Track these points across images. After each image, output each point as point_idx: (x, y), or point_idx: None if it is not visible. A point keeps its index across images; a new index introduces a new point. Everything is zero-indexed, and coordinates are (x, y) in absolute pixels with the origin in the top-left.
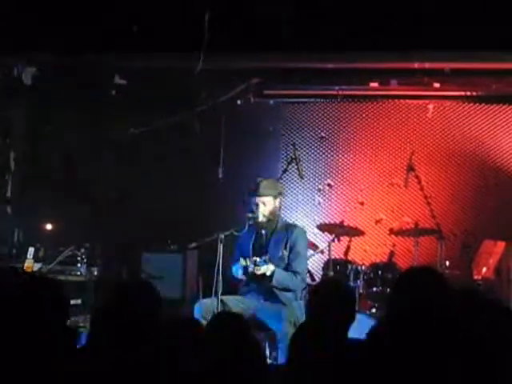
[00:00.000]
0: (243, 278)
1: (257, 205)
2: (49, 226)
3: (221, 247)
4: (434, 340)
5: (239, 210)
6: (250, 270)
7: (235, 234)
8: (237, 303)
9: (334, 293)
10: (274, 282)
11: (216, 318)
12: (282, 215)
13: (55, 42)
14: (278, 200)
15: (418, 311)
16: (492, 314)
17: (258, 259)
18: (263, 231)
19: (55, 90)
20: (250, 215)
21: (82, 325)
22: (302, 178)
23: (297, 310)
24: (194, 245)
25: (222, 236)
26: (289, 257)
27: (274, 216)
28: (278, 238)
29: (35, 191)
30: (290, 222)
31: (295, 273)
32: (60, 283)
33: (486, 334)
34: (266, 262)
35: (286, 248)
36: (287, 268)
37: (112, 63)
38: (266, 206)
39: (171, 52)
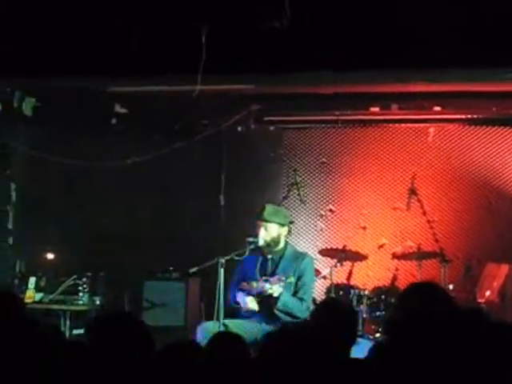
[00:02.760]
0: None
1: (259, 229)
2: (50, 256)
3: (222, 271)
4: (439, 353)
5: (240, 236)
6: (260, 289)
7: (236, 258)
8: (239, 327)
9: (332, 311)
10: (279, 304)
11: (216, 338)
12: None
13: (47, 66)
14: (284, 228)
15: (421, 324)
16: (498, 332)
17: (270, 278)
18: (270, 257)
19: (55, 120)
20: (251, 239)
21: None
22: (303, 203)
23: None
24: (194, 269)
25: (223, 260)
26: (296, 284)
27: (276, 243)
28: (286, 265)
29: (36, 221)
30: (300, 249)
31: (301, 299)
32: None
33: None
34: (279, 281)
35: (294, 275)
36: (293, 295)
37: (106, 86)
38: (267, 231)
39: (167, 74)
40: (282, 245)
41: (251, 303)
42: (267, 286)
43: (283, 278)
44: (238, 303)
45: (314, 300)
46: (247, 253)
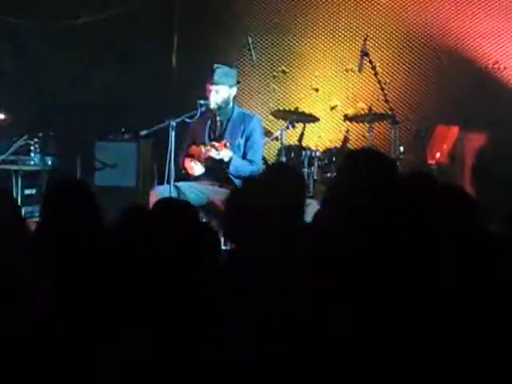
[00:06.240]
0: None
1: (210, 92)
2: (1, 116)
3: (173, 134)
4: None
5: (193, 99)
6: (209, 154)
7: (187, 120)
8: (192, 189)
9: (279, 176)
10: (231, 169)
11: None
12: (237, 102)
13: None
14: (233, 89)
15: (356, 191)
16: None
17: (216, 143)
18: (218, 119)
19: None
20: (202, 102)
21: (36, 214)
22: (255, 64)
23: None
24: (145, 132)
25: (174, 123)
26: (245, 146)
27: (226, 104)
28: (234, 126)
29: None
30: (247, 111)
31: (251, 162)
32: None
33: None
34: (225, 147)
35: (242, 137)
36: (243, 157)
37: None
38: (218, 93)
39: None
40: (230, 106)
41: (196, 168)
42: (214, 152)
43: (228, 143)
44: (185, 169)
45: (265, 160)
46: (198, 115)
